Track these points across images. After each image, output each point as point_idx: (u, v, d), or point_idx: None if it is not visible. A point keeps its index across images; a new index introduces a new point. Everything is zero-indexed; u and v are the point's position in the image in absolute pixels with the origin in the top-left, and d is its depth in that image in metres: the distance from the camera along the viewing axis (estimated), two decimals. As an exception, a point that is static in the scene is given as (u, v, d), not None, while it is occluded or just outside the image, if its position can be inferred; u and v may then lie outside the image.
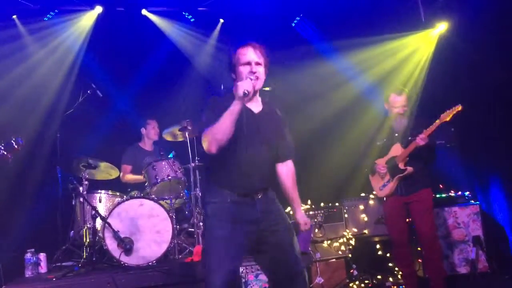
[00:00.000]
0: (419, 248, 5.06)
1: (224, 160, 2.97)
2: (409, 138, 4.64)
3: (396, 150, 4.74)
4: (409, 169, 4.65)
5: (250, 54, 3.03)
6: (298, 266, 3.11)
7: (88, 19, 6.38)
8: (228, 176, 3.01)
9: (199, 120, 3.05)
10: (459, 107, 4.43)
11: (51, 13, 6.25)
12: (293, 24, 7.01)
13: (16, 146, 4.68)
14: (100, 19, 6.39)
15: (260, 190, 3.05)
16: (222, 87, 4.17)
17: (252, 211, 3.01)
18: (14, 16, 6.16)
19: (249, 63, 3.02)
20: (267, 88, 5.24)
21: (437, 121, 4.46)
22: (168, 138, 6.07)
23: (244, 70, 3.01)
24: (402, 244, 4.78)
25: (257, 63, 3.03)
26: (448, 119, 4.45)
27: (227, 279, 2.89)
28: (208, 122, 2.91)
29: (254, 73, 2.99)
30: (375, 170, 4.89)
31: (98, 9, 6.34)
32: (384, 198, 4.91)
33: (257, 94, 3.13)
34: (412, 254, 4.97)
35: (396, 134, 4.78)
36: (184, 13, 6.67)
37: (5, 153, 4.65)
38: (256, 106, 3.12)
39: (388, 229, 4.97)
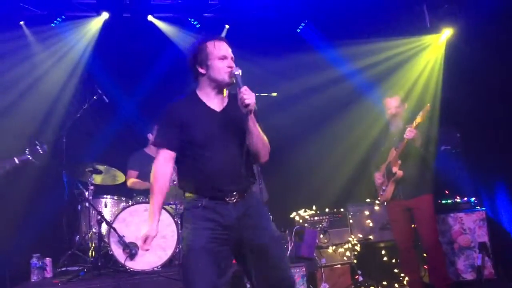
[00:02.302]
0: (424, 254, 5.05)
1: (190, 165, 2.89)
2: (401, 141, 4.66)
3: (392, 154, 4.78)
4: (399, 172, 4.67)
5: (226, 48, 2.93)
6: (288, 281, 2.91)
7: (94, 25, 6.41)
8: (196, 180, 2.88)
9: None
10: (428, 107, 4.50)
11: (58, 19, 6.29)
12: (298, 30, 7.02)
13: (41, 152, 4.79)
14: (106, 25, 6.42)
15: (233, 193, 2.85)
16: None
17: (226, 216, 2.83)
18: (22, 22, 6.20)
19: (225, 57, 2.90)
20: (274, 94, 5.29)
21: (416, 121, 4.50)
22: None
23: (221, 64, 2.88)
24: (407, 249, 4.78)
25: (232, 58, 2.93)
26: (423, 119, 4.49)
27: None
28: (160, 141, 2.93)
29: (231, 67, 2.88)
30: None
31: (105, 15, 6.37)
32: (385, 203, 4.93)
33: (223, 90, 2.99)
34: (418, 260, 4.95)
35: (395, 138, 4.81)
36: (189, 19, 6.68)
37: (30, 158, 4.75)
38: (219, 102, 2.97)
39: (393, 234, 4.98)
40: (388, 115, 4.90)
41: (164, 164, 2.94)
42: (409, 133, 4.50)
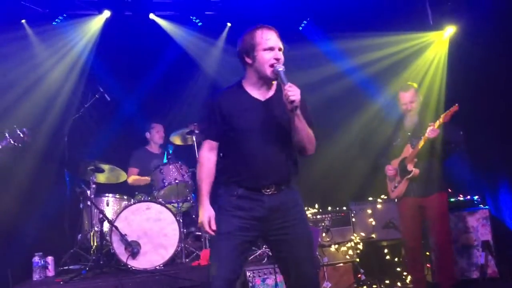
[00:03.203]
0: (427, 253, 5.02)
1: (231, 153, 2.92)
2: (417, 138, 4.58)
3: (407, 150, 4.70)
4: (415, 171, 4.58)
5: (274, 39, 2.87)
6: (310, 275, 2.95)
7: (96, 23, 6.41)
8: (235, 169, 2.89)
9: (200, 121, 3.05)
10: (456, 107, 4.40)
11: (60, 17, 6.29)
12: (300, 28, 7.00)
13: (22, 136, 4.74)
14: (108, 23, 6.42)
15: (271, 185, 2.84)
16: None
17: (259, 207, 2.84)
18: (23, 21, 6.19)
19: (272, 49, 2.85)
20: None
21: (439, 120, 4.41)
22: (176, 141, 6.08)
23: (267, 55, 2.83)
24: (415, 248, 4.72)
25: (280, 49, 2.88)
26: (447, 120, 4.41)
27: (227, 275, 2.80)
28: (204, 132, 3.00)
29: (279, 59, 2.84)
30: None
31: (106, 14, 6.37)
32: (396, 200, 4.87)
33: (271, 80, 2.95)
34: (424, 259, 4.92)
35: (409, 134, 4.72)
36: (191, 17, 6.68)
37: (12, 141, 4.72)
38: (264, 93, 2.94)
39: (401, 231, 4.93)
40: (402, 110, 4.76)
41: (208, 153, 2.99)
42: (432, 132, 4.40)
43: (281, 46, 2.89)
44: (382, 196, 5.75)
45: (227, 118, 2.88)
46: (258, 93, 2.93)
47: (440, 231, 4.61)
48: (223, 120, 2.89)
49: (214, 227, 2.89)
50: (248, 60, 2.90)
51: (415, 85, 4.81)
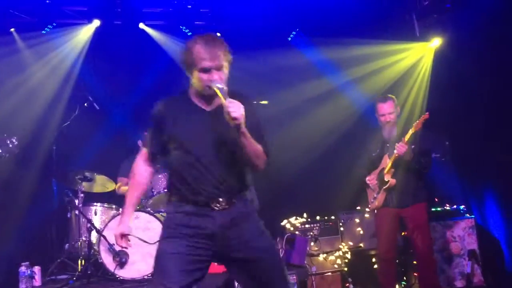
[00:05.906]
0: (415, 262, 5.06)
1: (176, 166, 2.68)
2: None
3: (385, 161, 4.71)
4: (391, 181, 4.59)
5: (212, 57, 2.57)
6: None
7: (85, 32, 6.40)
8: (180, 184, 2.66)
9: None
10: (426, 115, 4.44)
11: (49, 26, 6.28)
12: (289, 39, 7.06)
13: (11, 146, 4.60)
14: (97, 33, 6.42)
15: (218, 199, 2.61)
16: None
17: (208, 223, 2.60)
18: (12, 29, 6.18)
19: (208, 70, 2.58)
20: (264, 102, 5.29)
21: (411, 130, 4.44)
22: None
23: (202, 77, 2.59)
24: (389, 259, 4.73)
25: (219, 67, 2.59)
26: (418, 128, 4.44)
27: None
28: (148, 144, 2.86)
29: (213, 81, 2.57)
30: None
31: (96, 23, 6.36)
32: (375, 211, 4.89)
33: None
34: (396, 272, 4.93)
35: (388, 145, 4.72)
36: (181, 27, 6.71)
37: (0, 151, 4.57)
38: (210, 102, 2.71)
39: (377, 242, 4.93)
40: (381, 121, 4.74)
41: (144, 163, 2.90)
42: (400, 148, 4.42)
43: (222, 62, 2.60)
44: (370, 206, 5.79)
45: (168, 127, 2.68)
46: (204, 103, 2.72)
47: (421, 242, 4.61)
48: (163, 129, 2.70)
49: (124, 244, 2.87)
50: (188, 74, 2.72)
51: (393, 96, 4.80)
